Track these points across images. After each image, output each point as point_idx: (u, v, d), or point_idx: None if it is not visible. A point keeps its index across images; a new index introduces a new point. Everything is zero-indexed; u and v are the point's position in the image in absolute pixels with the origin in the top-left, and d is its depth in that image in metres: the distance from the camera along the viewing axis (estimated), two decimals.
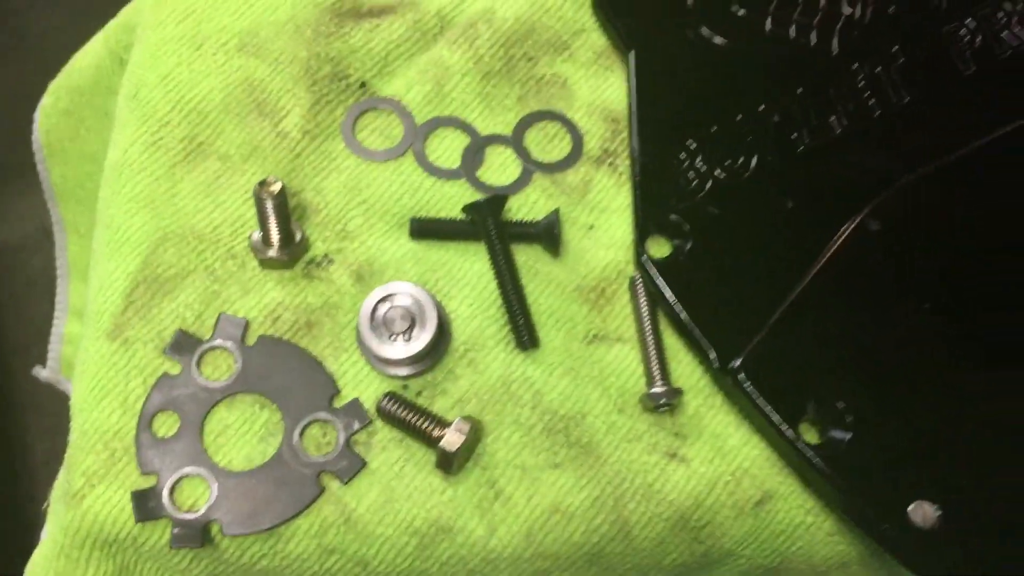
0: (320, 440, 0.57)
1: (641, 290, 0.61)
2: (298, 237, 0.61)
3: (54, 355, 0.90)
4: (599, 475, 0.57)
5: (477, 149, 0.65)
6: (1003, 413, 0.56)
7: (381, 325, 0.57)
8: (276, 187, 0.58)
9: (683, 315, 0.59)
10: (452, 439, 0.55)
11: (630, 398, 0.59)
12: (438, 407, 0.59)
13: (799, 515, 0.57)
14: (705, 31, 0.67)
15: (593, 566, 0.57)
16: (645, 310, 0.61)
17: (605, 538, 0.56)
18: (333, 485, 0.57)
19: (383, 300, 0.58)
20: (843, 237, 0.61)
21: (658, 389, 0.58)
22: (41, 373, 0.89)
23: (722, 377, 0.58)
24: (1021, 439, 0.56)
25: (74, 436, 0.57)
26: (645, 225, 0.61)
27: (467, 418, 0.56)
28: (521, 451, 0.58)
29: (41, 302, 1.05)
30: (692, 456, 0.58)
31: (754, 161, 0.63)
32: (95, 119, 0.77)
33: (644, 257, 0.60)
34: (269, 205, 0.58)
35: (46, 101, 0.79)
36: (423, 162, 0.64)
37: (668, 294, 0.60)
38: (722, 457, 0.58)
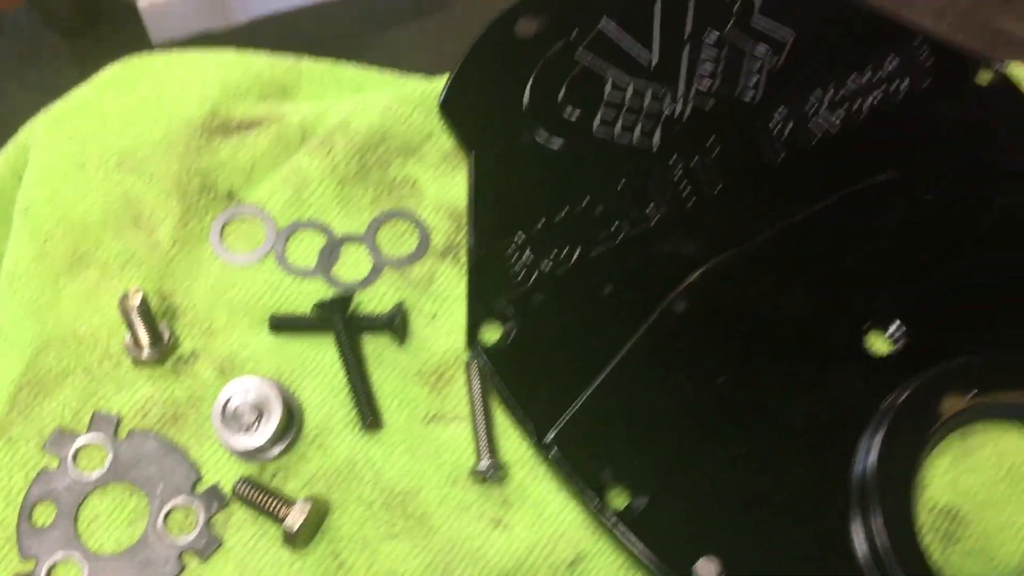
0: (183, 522, 0.64)
1: (475, 372, 0.68)
2: (166, 337, 0.68)
3: None
4: (431, 544, 0.64)
5: (332, 248, 0.72)
6: (777, 477, 0.63)
7: (231, 418, 0.64)
8: (136, 299, 0.65)
9: (506, 394, 0.66)
10: (293, 519, 0.62)
11: (462, 472, 0.66)
12: (290, 487, 0.66)
13: (611, 572, 0.64)
14: (539, 133, 0.74)
15: None
16: (477, 391, 0.67)
17: None
18: (193, 563, 0.64)
19: (233, 395, 0.65)
20: (652, 319, 0.68)
21: (484, 463, 0.65)
22: None
23: (540, 450, 0.65)
24: (791, 501, 0.62)
25: None
26: (476, 313, 0.68)
27: (309, 498, 0.63)
28: (363, 525, 0.64)
29: None
30: (515, 522, 0.65)
31: (577, 252, 0.70)
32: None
33: (475, 343, 0.67)
34: (133, 314, 0.66)
35: None
36: (283, 263, 0.72)
37: (495, 376, 0.66)
38: (542, 522, 0.65)
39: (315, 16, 1.93)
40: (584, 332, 0.68)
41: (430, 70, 0.81)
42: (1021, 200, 0.72)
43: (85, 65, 1.95)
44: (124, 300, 0.65)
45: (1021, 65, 0.80)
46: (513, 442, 0.67)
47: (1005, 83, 0.78)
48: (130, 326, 0.66)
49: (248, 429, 0.64)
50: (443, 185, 0.75)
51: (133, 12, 1.79)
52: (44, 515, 0.64)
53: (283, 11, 1.95)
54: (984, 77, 0.78)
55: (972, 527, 0.64)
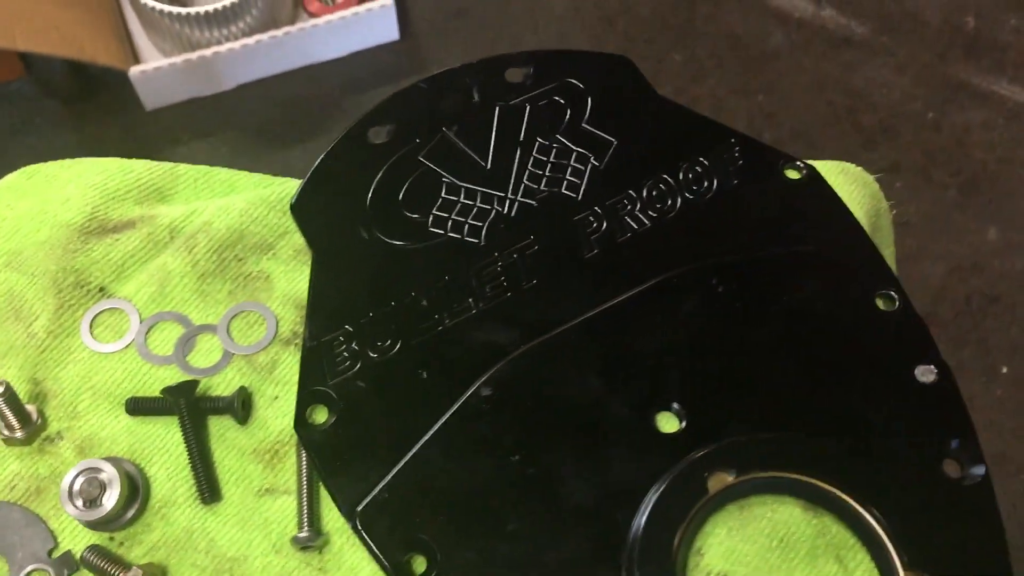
0: None
1: (302, 450, 0.76)
2: (35, 419, 0.77)
3: None
4: None
5: (189, 338, 0.81)
6: (559, 551, 0.71)
7: (77, 494, 0.73)
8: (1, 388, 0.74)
9: (320, 471, 0.74)
10: None
11: (286, 541, 0.74)
12: (134, 555, 0.74)
13: None
14: (377, 232, 0.83)
15: None
16: (304, 467, 0.76)
17: None
18: None
19: (80, 473, 0.74)
20: (459, 403, 0.76)
21: (304, 533, 0.74)
22: None
23: (348, 522, 0.73)
24: (573, 571, 0.70)
25: None
26: (303, 397, 0.77)
27: (144, 565, 0.71)
28: None
29: None
30: None
31: (399, 343, 0.78)
32: None
33: (300, 425, 0.76)
34: (0, 401, 0.75)
35: None
36: (143, 352, 0.81)
37: (315, 454, 0.75)
38: None
39: (297, 80, 2.04)
40: (399, 415, 0.76)
41: None
42: (803, 291, 0.80)
43: (84, 130, 2.09)
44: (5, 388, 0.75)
45: (827, 163, 0.88)
46: (335, 514, 0.75)
47: (814, 179, 0.86)
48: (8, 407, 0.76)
49: (92, 503, 0.73)
50: (293, 279, 0.84)
51: (127, 80, 1.91)
52: None
53: (267, 76, 2.06)
54: (792, 174, 0.86)
55: None
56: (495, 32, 2.09)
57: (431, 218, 0.84)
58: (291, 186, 0.87)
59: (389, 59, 2.08)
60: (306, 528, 0.74)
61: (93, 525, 0.74)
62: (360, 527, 0.72)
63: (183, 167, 0.90)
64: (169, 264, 0.84)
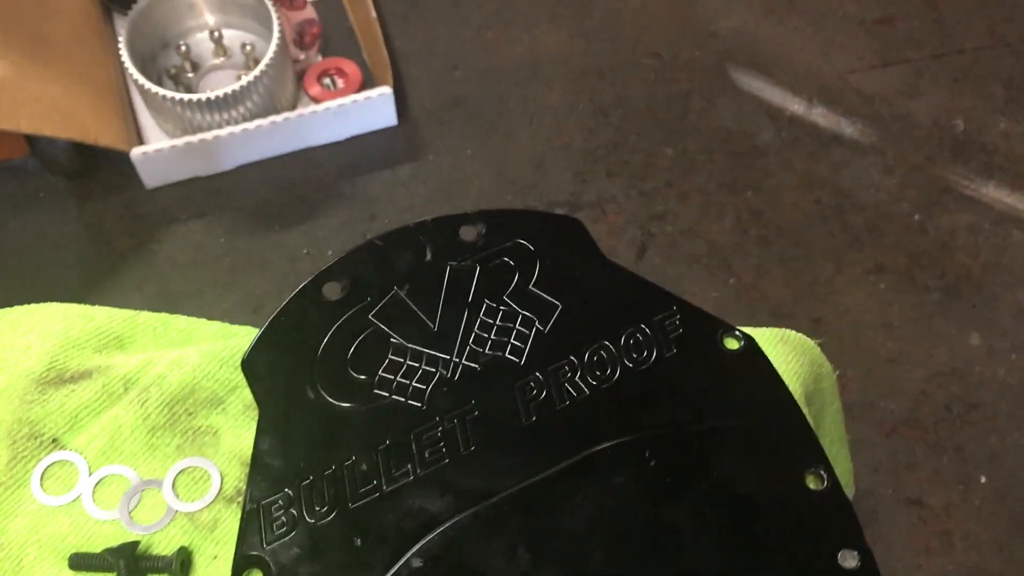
0: None
1: None
2: None
3: None
4: None
5: (134, 493, 0.84)
6: None
7: None
8: None
9: None
10: None
11: None
12: None
13: None
14: (323, 393, 0.86)
15: None
16: None
17: None
18: None
19: None
20: (391, 574, 0.78)
21: None
22: None
23: None
24: None
25: None
26: (238, 562, 0.79)
27: None
28: None
29: None
30: None
31: (336, 509, 0.81)
32: None
33: None
34: None
35: None
36: (89, 506, 0.83)
37: None
38: None
39: (296, 162, 2.08)
40: None
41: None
42: (733, 468, 0.82)
43: (86, 206, 2.14)
44: None
45: (767, 331, 0.90)
46: None
47: (751, 349, 0.88)
48: None
49: None
50: (241, 434, 0.86)
51: (128, 159, 1.95)
52: None
53: (266, 158, 2.11)
54: (731, 344, 0.88)
55: None
56: (490, 122, 2.12)
57: (376, 379, 0.86)
58: (247, 339, 0.90)
59: (386, 144, 2.12)
60: None
61: None
62: None
63: (143, 315, 0.93)
64: (121, 417, 0.86)
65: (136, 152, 1.98)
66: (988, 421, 1.82)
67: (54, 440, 0.86)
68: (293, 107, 2.09)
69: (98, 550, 0.82)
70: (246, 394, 0.88)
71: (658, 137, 2.11)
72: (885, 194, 2.02)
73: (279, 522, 0.80)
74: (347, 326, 0.89)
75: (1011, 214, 2.01)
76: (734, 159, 2.07)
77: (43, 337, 0.90)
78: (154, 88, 1.93)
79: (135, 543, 0.80)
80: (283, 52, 2.00)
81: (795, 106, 2.14)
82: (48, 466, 0.85)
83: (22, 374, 0.88)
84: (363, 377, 0.86)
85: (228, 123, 2.00)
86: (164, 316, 0.93)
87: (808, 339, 0.94)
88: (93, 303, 0.93)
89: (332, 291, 0.90)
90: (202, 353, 0.89)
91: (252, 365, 0.88)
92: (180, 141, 1.99)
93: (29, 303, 0.93)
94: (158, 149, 1.98)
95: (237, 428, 0.87)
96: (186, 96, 1.94)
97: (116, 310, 0.93)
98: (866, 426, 1.80)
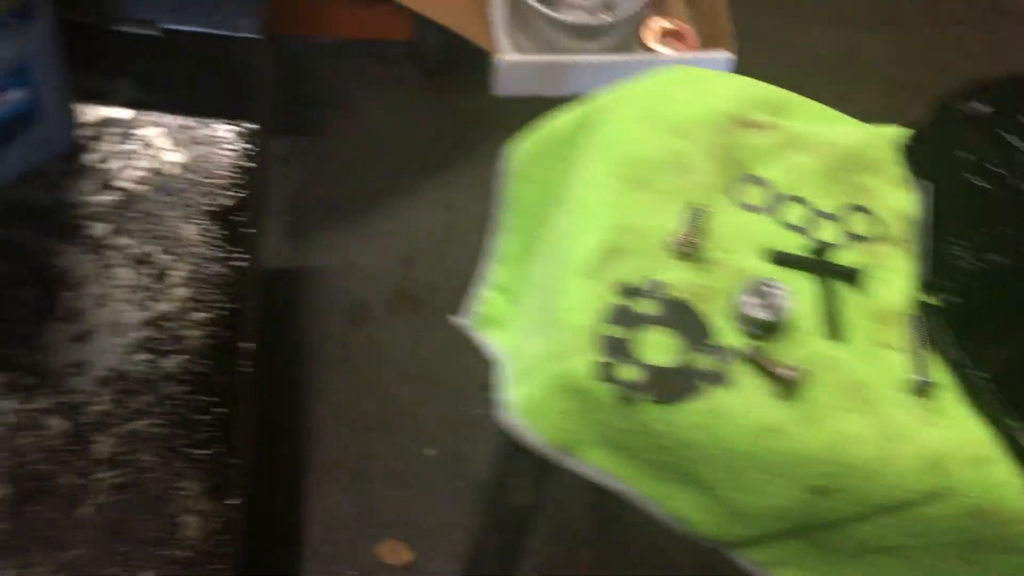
0: (703, 361, 0.92)
1: (919, 323, 0.95)
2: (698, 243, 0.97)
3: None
4: (876, 420, 0.90)
5: (813, 219, 1.01)
6: None
7: (758, 296, 0.92)
8: (700, 215, 0.94)
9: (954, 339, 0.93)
10: (788, 374, 0.88)
11: (903, 380, 0.92)
12: None
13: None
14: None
15: None
16: (919, 333, 0.94)
17: None
18: (704, 387, 0.90)
19: (761, 283, 0.92)
20: None
21: (920, 378, 0.92)
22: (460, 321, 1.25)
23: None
24: None
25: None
26: (925, 281, 0.95)
27: (795, 367, 0.90)
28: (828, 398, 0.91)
29: None
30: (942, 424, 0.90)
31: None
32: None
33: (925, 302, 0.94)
34: (697, 220, 0.94)
35: (525, 145, 1.17)
36: (780, 218, 1.01)
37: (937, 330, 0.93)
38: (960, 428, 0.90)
39: None
40: None
41: None
42: None
43: (440, 98, 2.30)
44: (696, 212, 0.94)
45: None
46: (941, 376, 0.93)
47: None
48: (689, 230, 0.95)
49: (766, 309, 0.91)
50: (895, 196, 1.04)
51: (483, 65, 2.07)
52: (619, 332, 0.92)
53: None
54: None
55: None
56: None
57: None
58: (897, 132, 1.08)
59: None
60: (922, 375, 0.92)
61: (750, 329, 0.93)
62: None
63: (790, 96, 1.11)
64: (798, 161, 1.04)
65: (500, 59, 2.12)
66: None
67: (743, 165, 1.04)
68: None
69: (785, 248, 0.98)
70: (897, 170, 1.05)
71: None
72: None
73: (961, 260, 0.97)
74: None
75: None
76: None
77: (728, 88, 1.08)
78: (535, 4, 2.08)
79: (825, 247, 0.97)
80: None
81: None
82: (742, 181, 1.02)
83: (717, 111, 1.06)
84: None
85: (585, 52, 2.15)
86: (808, 100, 1.11)
87: None
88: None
89: (977, 108, 1.08)
90: (868, 132, 1.06)
91: (912, 152, 1.05)
92: (544, 58, 2.13)
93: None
94: (520, 61, 2.12)
95: (891, 190, 1.04)
96: (561, 17, 2.09)
97: (771, 87, 1.11)
98: None
